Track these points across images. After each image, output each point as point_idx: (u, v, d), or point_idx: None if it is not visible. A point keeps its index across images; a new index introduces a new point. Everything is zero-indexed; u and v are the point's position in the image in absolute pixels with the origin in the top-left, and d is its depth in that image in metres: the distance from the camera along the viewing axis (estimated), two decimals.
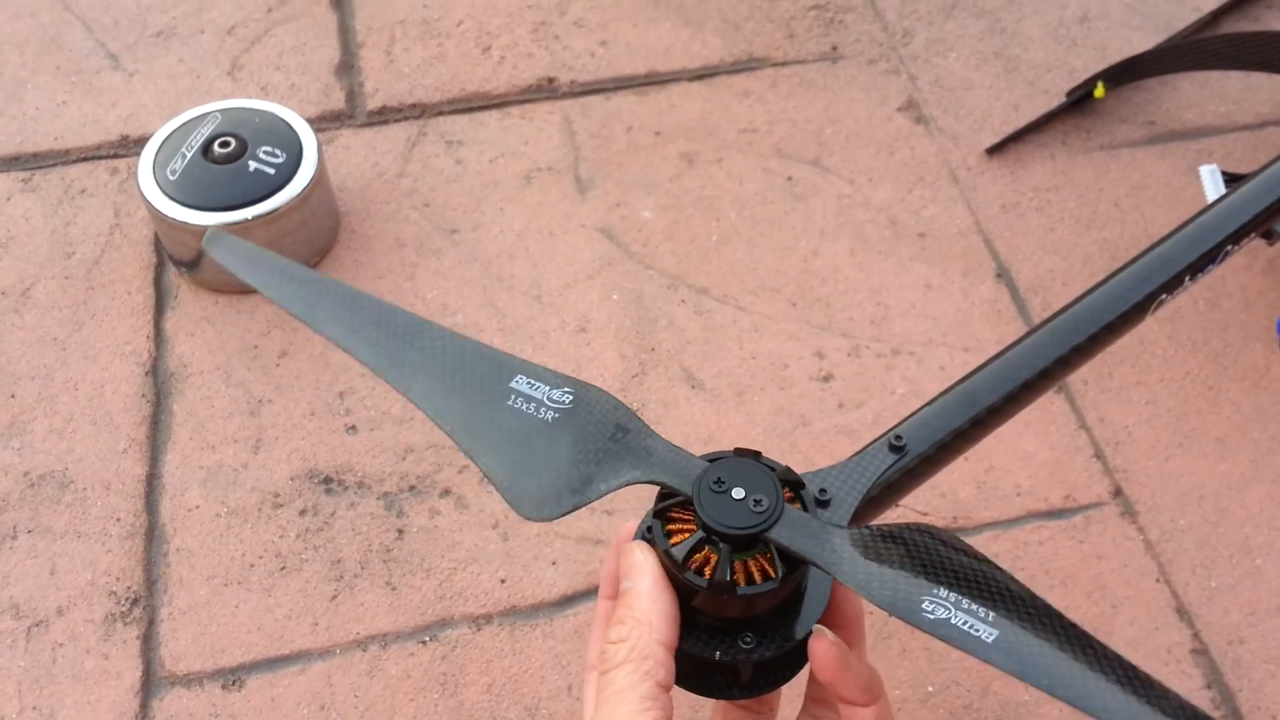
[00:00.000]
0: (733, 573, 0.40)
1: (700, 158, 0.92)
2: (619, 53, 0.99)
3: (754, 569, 0.41)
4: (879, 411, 0.77)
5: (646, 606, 0.40)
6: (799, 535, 0.41)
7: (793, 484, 0.43)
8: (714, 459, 0.43)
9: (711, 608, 0.42)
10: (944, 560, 0.40)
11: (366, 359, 0.45)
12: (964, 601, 0.37)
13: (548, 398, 0.44)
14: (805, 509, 0.43)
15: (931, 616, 0.37)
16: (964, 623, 0.37)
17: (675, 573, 0.41)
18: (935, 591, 0.38)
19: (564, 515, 0.41)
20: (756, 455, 0.43)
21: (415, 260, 0.85)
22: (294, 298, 0.47)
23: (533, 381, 0.44)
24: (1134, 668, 0.37)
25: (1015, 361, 0.55)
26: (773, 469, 0.43)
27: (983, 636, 0.37)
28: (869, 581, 0.39)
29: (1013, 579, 0.40)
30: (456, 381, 0.44)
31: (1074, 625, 0.38)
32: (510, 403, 0.43)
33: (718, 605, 0.42)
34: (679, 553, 0.41)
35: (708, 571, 0.41)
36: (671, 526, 0.42)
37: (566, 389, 0.44)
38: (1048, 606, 0.39)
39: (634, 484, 0.42)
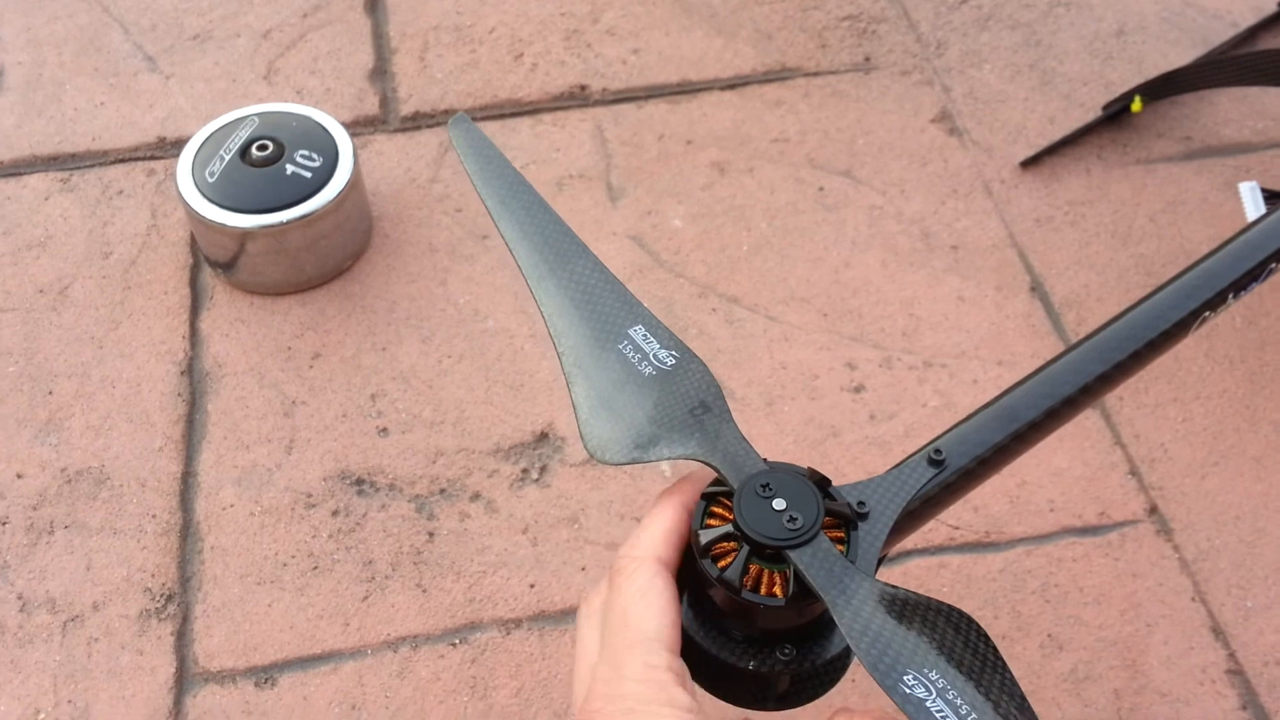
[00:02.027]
0: (745, 574, 0.40)
1: (732, 167, 0.92)
2: (651, 61, 0.99)
3: (775, 582, 0.41)
4: (910, 423, 0.77)
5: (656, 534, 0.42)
6: (819, 566, 0.40)
7: (846, 522, 0.43)
8: (777, 467, 0.43)
9: (742, 615, 0.42)
10: (955, 649, 0.38)
11: (523, 264, 0.48)
12: (950, 693, 0.36)
13: (654, 354, 0.45)
14: (848, 550, 0.42)
15: (908, 691, 0.36)
16: (939, 711, 0.35)
17: (696, 557, 0.41)
18: (925, 671, 0.36)
19: (622, 464, 0.43)
20: (826, 483, 0.43)
21: (448, 265, 0.86)
22: (492, 194, 0.50)
23: (648, 335, 0.46)
24: None
25: (1056, 377, 0.54)
26: (832, 499, 0.42)
27: None
28: (862, 634, 0.37)
29: (1024, 703, 0.37)
30: (586, 311, 0.46)
31: None
32: (621, 347, 0.45)
33: (749, 614, 0.42)
34: (704, 537, 0.41)
35: (723, 565, 0.41)
36: (712, 520, 0.42)
37: (674, 352, 0.45)
38: None
39: (692, 459, 0.43)
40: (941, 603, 0.40)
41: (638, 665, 0.38)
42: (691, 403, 0.44)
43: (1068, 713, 0.65)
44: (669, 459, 0.43)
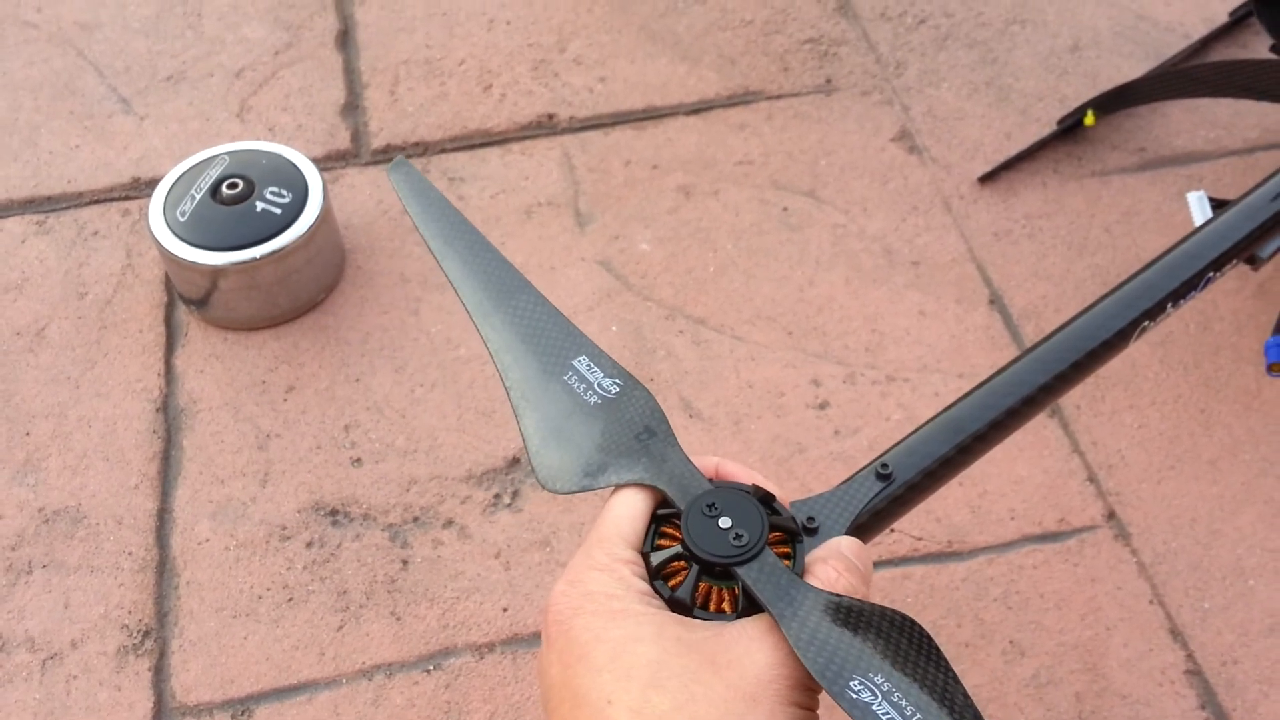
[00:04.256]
0: (695, 593, 0.42)
1: (697, 190, 0.94)
2: (617, 88, 1.01)
3: (724, 598, 0.42)
4: (874, 438, 0.78)
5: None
6: (766, 580, 0.41)
7: (791, 535, 0.44)
8: (722, 486, 0.44)
9: None
10: (902, 654, 0.39)
11: (468, 301, 0.49)
12: (895, 694, 0.37)
13: (599, 384, 0.47)
14: (794, 564, 0.43)
15: (854, 696, 0.37)
16: (884, 713, 0.37)
17: (647, 579, 0.42)
18: (871, 676, 0.38)
19: (573, 492, 0.44)
20: (771, 499, 0.44)
21: (419, 295, 0.87)
22: (434, 234, 0.51)
23: (592, 365, 0.47)
24: None
25: (1000, 389, 0.56)
26: (777, 513, 0.44)
27: None
28: (809, 644, 0.39)
29: (968, 700, 0.39)
30: (531, 344, 0.48)
31: None
32: (566, 378, 0.47)
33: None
34: (655, 559, 0.42)
35: (675, 585, 0.42)
36: (662, 540, 0.44)
37: (618, 380, 0.47)
38: None
39: (639, 484, 0.44)
40: (886, 609, 0.41)
41: (602, 555, 0.41)
42: (637, 428, 0.46)
43: (1030, 717, 0.66)
44: (619, 484, 0.44)
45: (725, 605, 0.42)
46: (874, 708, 0.37)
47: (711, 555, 0.42)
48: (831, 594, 0.42)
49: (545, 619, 0.41)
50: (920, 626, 0.41)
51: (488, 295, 0.50)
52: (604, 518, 0.43)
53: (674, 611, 0.41)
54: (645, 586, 0.41)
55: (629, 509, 0.43)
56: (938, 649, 0.41)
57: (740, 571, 0.42)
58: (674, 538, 0.44)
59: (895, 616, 0.41)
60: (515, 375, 0.48)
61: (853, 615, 0.40)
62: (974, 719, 0.38)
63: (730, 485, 0.44)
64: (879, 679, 0.38)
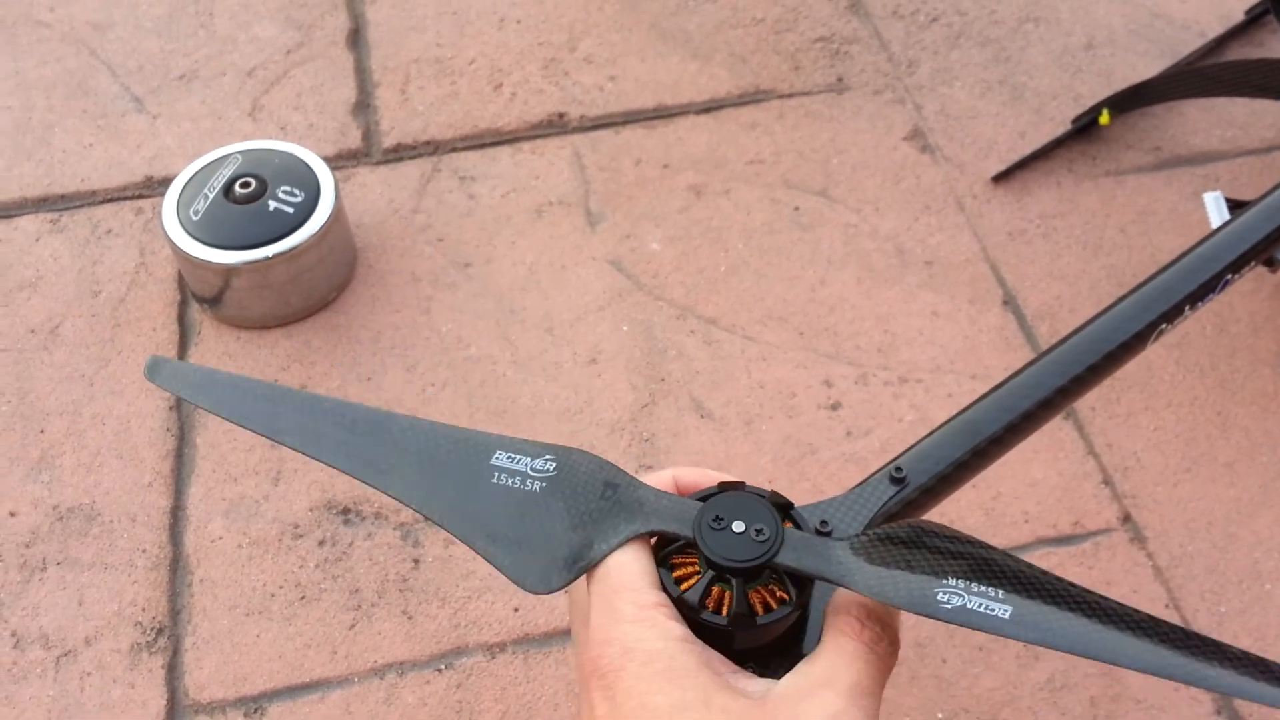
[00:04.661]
0: (749, 604, 0.41)
1: (708, 189, 0.94)
2: (628, 87, 1.01)
3: (758, 599, 0.42)
4: (887, 439, 0.78)
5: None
6: (805, 556, 0.41)
7: (783, 507, 0.44)
8: (704, 497, 0.43)
9: (718, 643, 0.43)
10: (942, 551, 0.41)
11: (338, 463, 0.43)
12: (974, 586, 0.39)
13: (531, 469, 0.43)
14: (799, 528, 0.44)
15: (949, 605, 0.38)
16: (979, 605, 0.38)
17: (692, 616, 0.42)
18: (945, 581, 0.39)
19: (570, 584, 0.41)
20: (741, 485, 0.44)
21: (430, 294, 0.87)
22: (252, 413, 0.45)
23: (513, 455, 0.43)
24: (1144, 615, 0.39)
25: (1016, 392, 0.56)
26: (762, 496, 0.44)
27: (999, 614, 0.38)
28: (883, 586, 0.40)
29: (1009, 555, 0.41)
30: (436, 470, 0.43)
31: (1075, 585, 0.40)
32: (495, 480, 0.43)
33: (726, 639, 0.43)
34: (693, 597, 0.41)
35: (720, 608, 0.42)
36: (677, 573, 0.43)
37: (548, 456, 0.43)
38: (1046, 574, 0.40)
39: (633, 538, 0.42)
40: (902, 523, 0.43)
41: (628, 607, 0.39)
42: (597, 489, 0.43)
43: (1043, 717, 0.66)
44: (612, 550, 0.41)
45: (772, 599, 0.42)
46: (969, 606, 0.38)
47: (750, 561, 0.41)
48: (853, 538, 0.42)
49: (584, 679, 0.39)
50: (927, 521, 0.44)
51: (357, 446, 0.43)
52: (606, 574, 0.41)
53: (737, 628, 0.41)
54: (683, 630, 0.39)
55: (627, 556, 0.41)
56: (949, 528, 0.44)
57: (780, 559, 0.42)
58: (689, 568, 0.43)
59: (910, 524, 0.43)
60: (440, 508, 0.42)
61: (885, 544, 0.42)
62: (1019, 565, 0.40)
63: (707, 494, 0.44)
64: (951, 581, 0.39)
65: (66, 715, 0.68)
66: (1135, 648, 0.38)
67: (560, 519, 0.42)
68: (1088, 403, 0.80)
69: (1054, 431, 0.78)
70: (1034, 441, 0.77)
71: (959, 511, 0.74)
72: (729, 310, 0.86)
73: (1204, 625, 0.70)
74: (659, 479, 0.45)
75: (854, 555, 0.41)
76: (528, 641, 0.70)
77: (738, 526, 0.42)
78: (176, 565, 0.74)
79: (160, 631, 0.71)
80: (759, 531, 0.42)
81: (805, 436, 0.78)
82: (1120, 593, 0.71)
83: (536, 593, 0.41)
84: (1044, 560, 0.72)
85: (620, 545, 0.42)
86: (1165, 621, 0.39)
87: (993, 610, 0.38)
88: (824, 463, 0.77)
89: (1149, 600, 0.71)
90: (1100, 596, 0.40)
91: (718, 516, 0.42)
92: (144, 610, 0.72)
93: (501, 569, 0.42)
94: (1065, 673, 0.68)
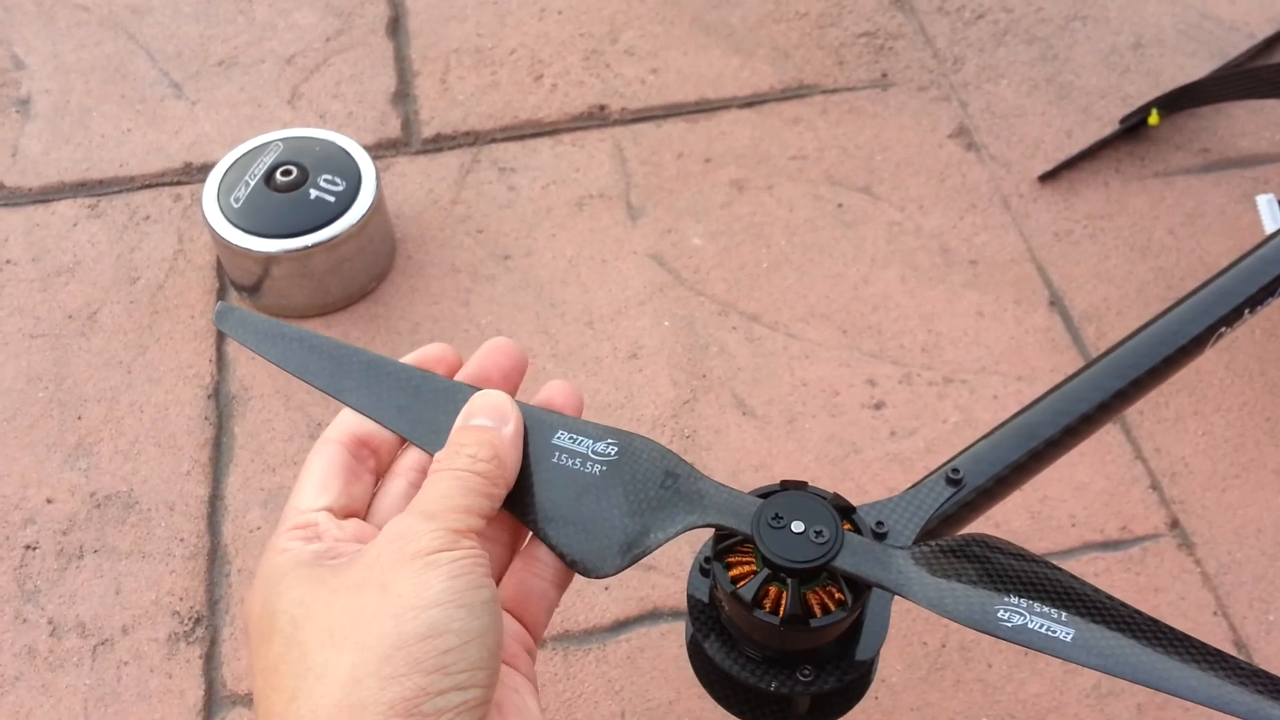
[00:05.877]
0: (804, 605, 0.41)
1: (750, 185, 0.93)
2: (669, 80, 1.00)
3: (815, 600, 0.42)
4: (931, 439, 0.77)
5: (509, 450, 0.40)
6: (864, 561, 0.41)
7: (844, 510, 0.44)
8: (764, 494, 0.43)
9: (772, 641, 0.42)
10: (1006, 568, 0.40)
11: (398, 427, 0.42)
12: (1036, 606, 0.38)
13: (593, 451, 0.42)
14: (858, 532, 0.43)
15: (1009, 624, 0.38)
16: (1040, 626, 0.38)
17: (744, 613, 0.41)
18: (1007, 599, 0.39)
19: (623, 570, 0.41)
20: (803, 486, 0.43)
21: (469, 286, 0.87)
22: (316, 369, 0.44)
23: (575, 436, 0.42)
24: (1209, 647, 0.38)
25: (1073, 395, 0.55)
26: (823, 497, 0.43)
27: (1061, 637, 0.38)
28: (942, 599, 0.39)
29: (1073, 577, 0.41)
30: None
31: (1139, 612, 0.39)
32: (555, 460, 0.42)
33: (779, 639, 0.42)
34: (746, 593, 0.41)
35: (777, 608, 0.41)
36: (733, 571, 0.43)
37: (610, 440, 0.42)
38: (1110, 599, 0.40)
39: (691, 529, 0.41)
40: (963, 536, 0.42)
41: (288, 521, 0.39)
42: (657, 478, 0.42)
43: None
44: (668, 539, 0.41)
45: (829, 603, 0.41)
46: (1030, 626, 0.38)
47: (808, 562, 0.41)
48: (915, 548, 0.42)
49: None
50: (992, 537, 0.43)
51: (420, 413, 0.42)
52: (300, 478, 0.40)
53: (789, 629, 0.40)
54: (316, 546, 0.38)
55: (314, 468, 0.40)
56: (1015, 546, 0.43)
57: (838, 563, 0.41)
58: (744, 564, 0.43)
59: (974, 538, 0.42)
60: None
61: (947, 556, 0.41)
62: (1085, 588, 0.40)
63: (768, 491, 0.43)
64: (1013, 599, 0.39)
65: (103, 704, 0.68)
66: (1199, 680, 0.37)
67: (618, 504, 0.41)
68: (1135, 407, 0.78)
69: (1101, 435, 0.77)
70: (1081, 445, 0.76)
71: (1004, 515, 0.73)
72: (771, 307, 0.85)
73: (1252, 633, 0.68)
74: (548, 397, 0.44)
75: (914, 564, 0.41)
76: (567, 639, 0.70)
77: (797, 526, 0.42)
78: (215, 555, 0.73)
79: (198, 621, 0.71)
80: (819, 533, 0.41)
81: (849, 436, 0.78)
82: (1168, 599, 0.70)
83: (592, 577, 0.41)
84: (1091, 565, 0.71)
85: (676, 534, 0.41)
86: (1231, 656, 0.38)
87: (1054, 632, 0.38)
88: (867, 463, 0.76)
89: (1196, 607, 0.70)
90: (1165, 625, 0.39)
91: (777, 515, 0.42)
92: (181, 600, 0.72)
93: (555, 548, 0.41)
94: (1111, 679, 0.67)
